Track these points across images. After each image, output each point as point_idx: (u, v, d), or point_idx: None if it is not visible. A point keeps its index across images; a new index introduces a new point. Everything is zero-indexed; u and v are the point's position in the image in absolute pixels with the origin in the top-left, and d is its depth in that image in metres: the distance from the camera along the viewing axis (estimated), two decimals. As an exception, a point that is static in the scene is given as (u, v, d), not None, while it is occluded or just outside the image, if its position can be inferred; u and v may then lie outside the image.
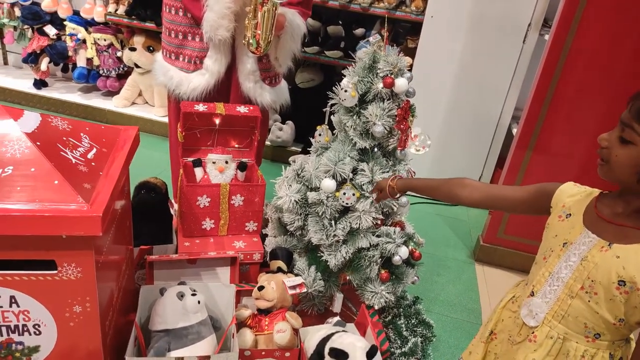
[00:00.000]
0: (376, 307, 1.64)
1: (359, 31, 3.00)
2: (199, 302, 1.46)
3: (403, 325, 1.68)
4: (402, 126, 1.52)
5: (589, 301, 0.95)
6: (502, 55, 2.68)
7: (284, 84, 2.08)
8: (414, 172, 1.69)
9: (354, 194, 1.56)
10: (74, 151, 1.14)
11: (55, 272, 1.06)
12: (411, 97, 1.59)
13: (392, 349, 1.63)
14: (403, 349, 1.62)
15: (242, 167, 1.86)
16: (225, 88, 1.90)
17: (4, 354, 1.12)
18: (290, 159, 3.06)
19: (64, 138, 1.16)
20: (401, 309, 1.79)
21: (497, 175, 2.86)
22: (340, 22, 2.99)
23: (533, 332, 1.02)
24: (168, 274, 1.70)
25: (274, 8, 1.61)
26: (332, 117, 1.68)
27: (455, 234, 2.69)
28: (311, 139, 1.74)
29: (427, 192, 1.36)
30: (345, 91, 1.52)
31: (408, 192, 1.62)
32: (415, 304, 1.84)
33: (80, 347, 1.16)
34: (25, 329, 1.11)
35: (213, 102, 1.92)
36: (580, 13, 1.95)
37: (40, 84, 3.60)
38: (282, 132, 3.15)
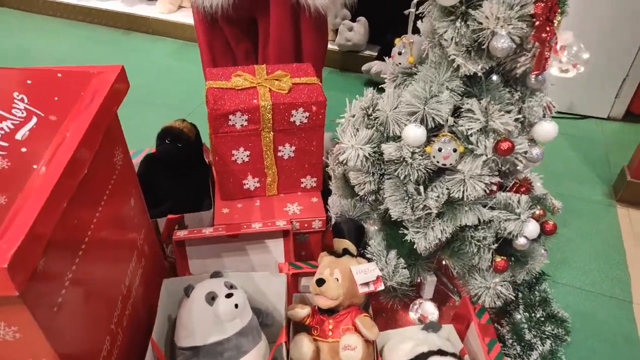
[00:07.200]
0: (487, 306, 1.15)
1: None
2: (236, 305, 1.07)
3: (525, 325, 1.19)
4: (543, 35, 0.89)
5: None
6: None
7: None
8: (553, 106, 1.06)
9: (455, 150, 1.00)
10: (-10, 132, 0.70)
11: (-17, 334, 0.68)
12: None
13: None
14: (525, 362, 1.15)
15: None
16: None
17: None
18: (364, 68, 2.46)
19: (-23, 109, 0.71)
20: (518, 292, 1.29)
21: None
22: None
23: None
24: (205, 250, 1.32)
25: None
26: (419, 23, 1.07)
27: (586, 162, 2.01)
28: (387, 58, 1.15)
29: None
30: (443, -21, 0.89)
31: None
32: (539, 283, 1.33)
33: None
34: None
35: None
36: None
37: (78, -8, 3.18)
38: (352, 32, 2.49)
